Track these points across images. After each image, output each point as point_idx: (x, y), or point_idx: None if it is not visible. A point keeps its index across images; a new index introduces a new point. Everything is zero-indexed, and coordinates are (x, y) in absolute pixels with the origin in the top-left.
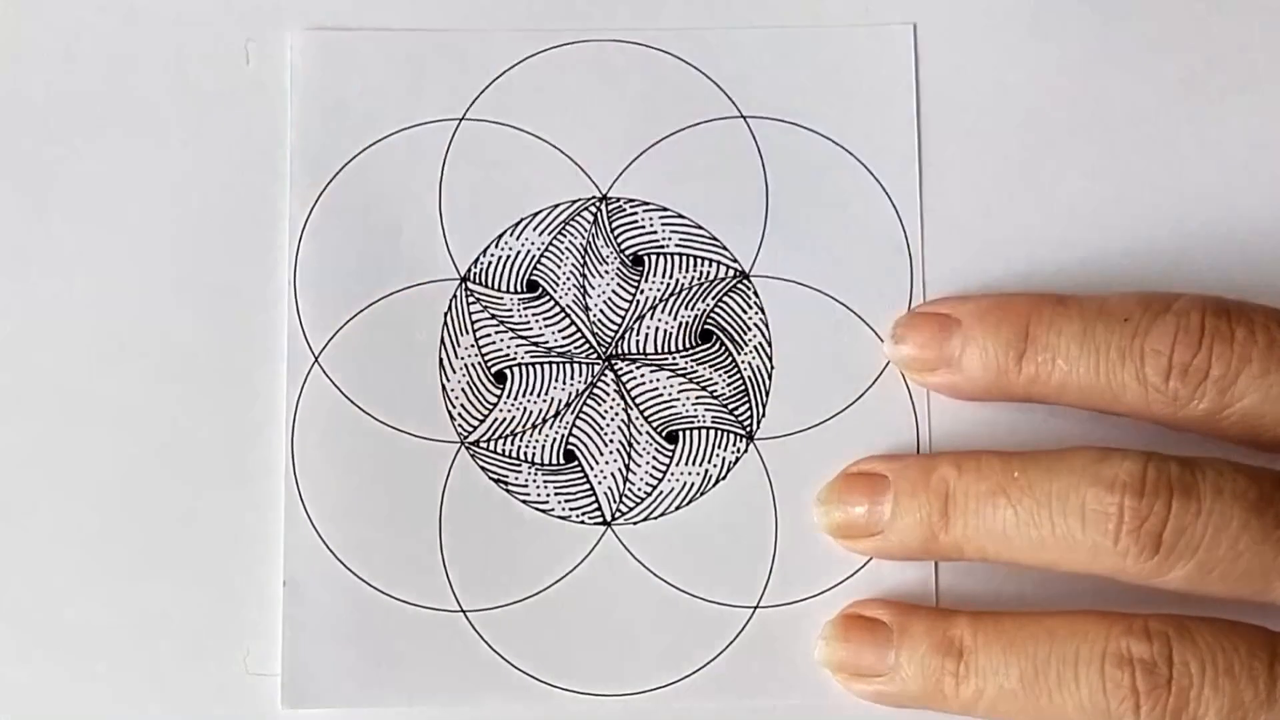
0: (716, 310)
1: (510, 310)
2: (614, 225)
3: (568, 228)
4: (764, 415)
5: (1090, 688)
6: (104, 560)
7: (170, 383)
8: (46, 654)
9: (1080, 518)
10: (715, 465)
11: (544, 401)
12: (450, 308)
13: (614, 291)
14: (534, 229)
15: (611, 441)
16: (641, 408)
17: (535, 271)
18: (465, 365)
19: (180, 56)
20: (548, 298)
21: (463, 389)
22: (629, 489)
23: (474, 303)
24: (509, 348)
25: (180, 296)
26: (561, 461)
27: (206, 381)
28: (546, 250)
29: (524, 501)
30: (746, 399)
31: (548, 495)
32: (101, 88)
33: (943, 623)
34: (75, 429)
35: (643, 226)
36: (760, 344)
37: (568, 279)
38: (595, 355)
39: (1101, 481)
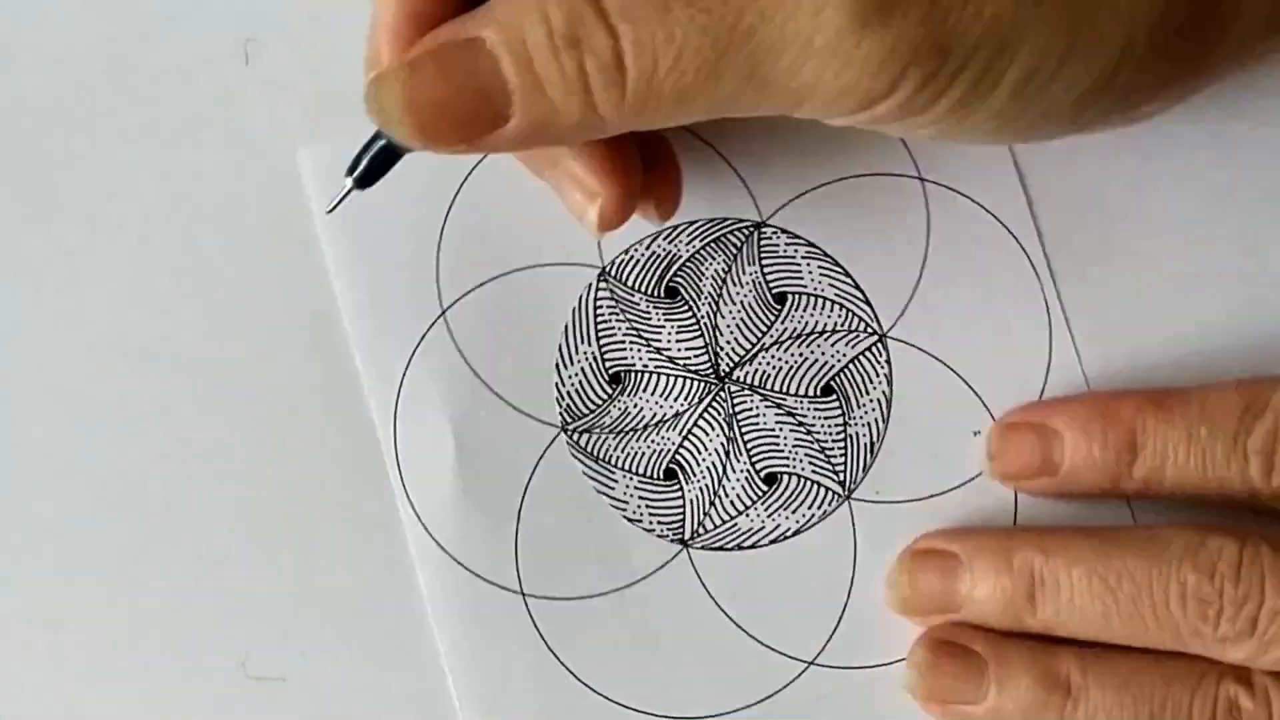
0: (846, 368)
1: (641, 312)
2: (763, 253)
3: (718, 244)
4: (865, 477)
5: None
6: (103, 560)
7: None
8: (48, 655)
9: (1181, 602)
10: (806, 514)
11: (653, 409)
12: (584, 295)
13: (747, 318)
14: (686, 237)
15: (709, 465)
16: (746, 440)
17: (675, 279)
18: (584, 354)
19: (179, 56)
20: (682, 307)
21: (577, 378)
22: (715, 513)
23: (607, 296)
24: (631, 349)
25: (179, 296)
26: (659, 475)
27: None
28: (690, 260)
29: (609, 500)
30: (851, 456)
31: (630, 496)
32: (99, 88)
33: (1044, 655)
34: (77, 426)
35: (790, 260)
36: (879, 406)
37: (705, 295)
38: (714, 375)
39: (1202, 568)
